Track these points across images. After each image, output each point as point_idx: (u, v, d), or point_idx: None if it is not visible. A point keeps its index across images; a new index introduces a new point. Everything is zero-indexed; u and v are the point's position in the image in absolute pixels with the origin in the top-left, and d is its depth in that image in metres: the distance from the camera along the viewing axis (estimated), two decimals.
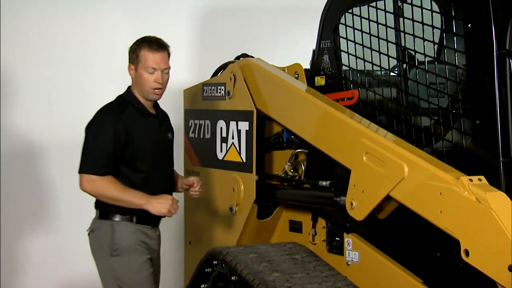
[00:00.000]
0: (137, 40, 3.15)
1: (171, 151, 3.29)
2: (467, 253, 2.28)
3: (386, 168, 2.61)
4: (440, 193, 2.39)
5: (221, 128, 3.64)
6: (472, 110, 2.54)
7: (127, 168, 3.07)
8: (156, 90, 3.09)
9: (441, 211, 2.39)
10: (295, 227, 3.42)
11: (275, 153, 3.54)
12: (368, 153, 2.70)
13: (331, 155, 2.96)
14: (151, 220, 3.12)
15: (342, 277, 2.99)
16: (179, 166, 3.98)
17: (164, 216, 3.12)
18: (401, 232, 2.80)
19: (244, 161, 3.46)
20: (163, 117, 3.26)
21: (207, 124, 3.75)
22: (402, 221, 2.75)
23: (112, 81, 4.84)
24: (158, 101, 3.22)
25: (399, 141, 2.71)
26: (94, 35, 4.77)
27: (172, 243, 4.65)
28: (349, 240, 3.03)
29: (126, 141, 3.04)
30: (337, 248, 3.12)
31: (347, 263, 3.02)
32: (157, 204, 3.02)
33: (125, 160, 3.05)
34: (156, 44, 3.08)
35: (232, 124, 3.55)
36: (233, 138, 3.54)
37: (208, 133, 3.75)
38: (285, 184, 3.42)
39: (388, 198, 2.64)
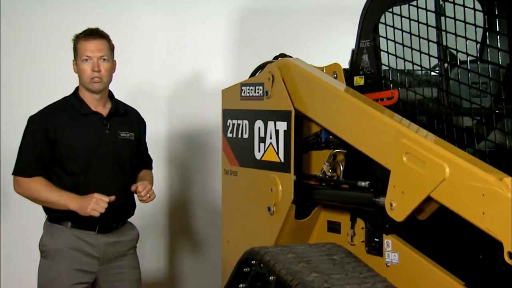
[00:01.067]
0: (75, 34, 3.14)
1: (123, 151, 3.16)
2: (510, 255, 2.24)
3: (427, 168, 2.58)
4: (483, 194, 2.35)
5: (259, 128, 3.65)
6: None
7: (59, 169, 3.04)
8: (95, 79, 3.04)
9: (483, 213, 2.35)
10: (334, 227, 3.41)
11: (313, 153, 3.52)
12: (408, 154, 2.67)
13: (370, 155, 2.94)
14: (93, 225, 3.04)
15: (382, 279, 2.96)
16: (217, 165, 4.01)
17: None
18: (442, 233, 2.76)
19: (282, 161, 3.46)
20: (118, 115, 3.17)
21: (245, 124, 3.76)
22: (443, 222, 2.72)
23: (149, 82, 4.91)
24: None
25: (440, 142, 2.67)
26: (131, 36, 4.82)
27: (211, 242, 4.68)
28: (388, 241, 3.00)
29: (54, 141, 3.01)
30: (376, 249, 3.09)
31: (386, 264, 3.00)
32: (82, 204, 2.93)
33: (56, 161, 3.02)
34: (91, 33, 3.07)
35: (270, 124, 3.55)
36: (271, 138, 3.54)
37: (246, 133, 3.75)
38: (324, 184, 3.41)
39: (428, 199, 2.61)
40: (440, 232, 2.77)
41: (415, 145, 2.65)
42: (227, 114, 3.95)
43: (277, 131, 3.50)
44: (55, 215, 3.05)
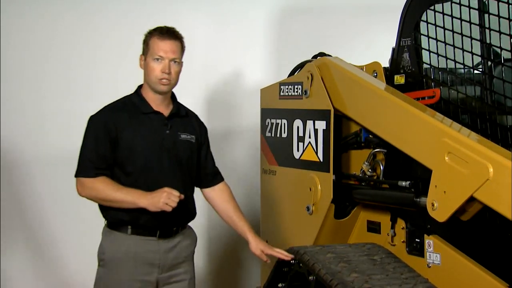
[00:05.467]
0: (149, 30, 3.03)
1: (183, 152, 3.03)
2: None
3: (470, 168, 2.53)
4: None
5: (298, 127, 3.64)
6: None
7: (118, 169, 2.91)
8: (163, 81, 2.92)
9: None
10: (373, 227, 3.38)
11: (352, 153, 3.50)
12: (451, 153, 2.63)
13: (411, 154, 2.90)
14: (154, 230, 2.91)
15: (423, 279, 2.92)
16: (256, 165, 4.01)
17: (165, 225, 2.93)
18: (486, 234, 2.72)
19: (321, 160, 3.44)
20: (179, 116, 3.06)
21: (284, 123, 3.75)
22: (486, 223, 2.67)
23: (190, 81, 4.94)
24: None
25: (484, 141, 2.63)
26: None
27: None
28: (430, 241, 2.97)
29: (116, 141, 2.89)
30: (417, 249, 3.06)
31: (428, 265, 2.96)
32: (151, 199, 2.79)
33: (116, 161, 2.90)
34: (167, 33, 2.94)
35: (309, 123, 3.54)
36: (310, 137, 3.53)
37: (285, 132, 3.75)
38: (363, 184, 3.38)
39: (471, 200, 2.57)
40: (483, 233, 2.73)
41: (458, 145, 2.61)
42: (266, 113, 3.95)
43: (316, 130, 3.48)
44: (114, 221, 2.92)
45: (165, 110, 3.03)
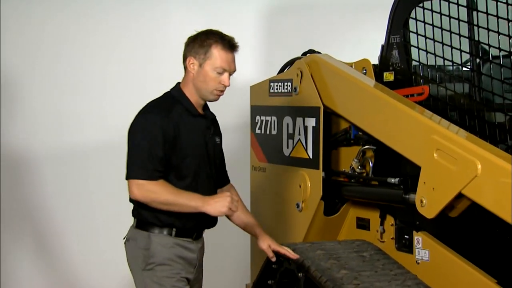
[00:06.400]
0: (205, 33, 2.83)
1: (218, 157, 3.01)
2: None
3: (458, 165, 2.55)
4: None
5: (287, 124, 3.64)
6: None
7: (172, 173, 2.79)
8: (220, 92, 2.84)
9: None
10: (363, 224, 3.39)
11: (342, 150, 3.51)
12: (439, 150, 2.64)
13: (400, 151, 2.91)
14: (192, 232, 2.88)
15: (412, 276, 2.94)
16: (246, 162, 4.02)
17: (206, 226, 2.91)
18: (474, 230, 2.73)
19: (311, 157, 3.45)
20: (212, 119, 2.99)
21: (274, 120, 3.75)
22: (475, 219, 2.68)
23: (180, 78, 4.94)
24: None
25: (472, 138, 2.64)
26: (162, 32, 4.84)
27: (239, 238, 4.68)
28: (419, 238, 2.98)
29: (173, 143, 2.77)
30: (406, 246, 3.07)
31: (416, 261, 2.97)
32: (214, 204, 2.73)
33: (171, 164, 2.78)
34: (230, 43, 2.81)
35: (299, 120, 3.54)
36: (299, 134, 3.54)
37: (274, 129, 3.75)
38: (353, 181, 3.39)
39: (460, 196, 2.58)
40: (471, 229, 2.74)
41: (446, 142, 2.62)
42: (256, 110, 3.95)
43: (305, 127, 3.49)
44: (162, 224, 2.80)
45: (203, 113, 2.95)
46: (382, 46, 3.29)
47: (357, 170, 3.35)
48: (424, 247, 2.95)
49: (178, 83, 2.92)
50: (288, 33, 5.08)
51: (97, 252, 4.75)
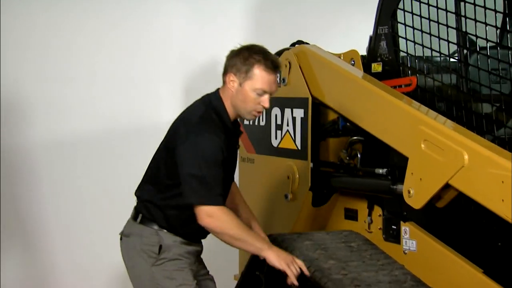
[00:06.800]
0: (249, 49, 2.72)
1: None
2: None
3: (445, 156, 2.56)
4: (502, 182, 2.33)
5: (276, 115, 3.64)
6: None
7: None
8: (258, 113, 2.73)
9: (502, 200, 2.33)
10: (351, 215, 3.40)
11: (330, 141, 3.51)
12: (427, 141, 2.65)
13: (388, 142, 2.92)
14: (197, 238, 2.88)
15: (399, 266, 2.96)
16: None
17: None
18: (461, 221, 2.75)
19: (299, 148, 3.45)
20: (238, 131, 2.90)
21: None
22: (461, 209, 2.70)
23: (168, 70, 4.92)
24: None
25: (459, 129, 2.65)
26: (150, 25, 4.82)
27: None
28: (406, 228, 2.99)
29: (223, 164, 2.69)
30: (393, 236, 3.08)
31: (404, 251, 2.99)
32: (278, 253, 2.70)
33: None
34: (273, 64, 2.69)
35: (287, 111, 3.54)
36: (288, 125, 3.54)
37: (262, 120, 3.75)
38: (341, 171, 3.40)
39: (447, 187, 2.60)
40: (458, 219, 2.76)
41: (434, 132, 2.63)
42: None
43: (294, 118, 3.49)
44: (165, 226, 2.77)
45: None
46: (370, 37, 3.30)
47: (345, 161, 3.36)
48: (411, 237, 2.97)
49: (218, 91, 2.78)
50: (276, 24, 5.07)
51: (84, 243, 4.74)
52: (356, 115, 3.16)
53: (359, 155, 3.29)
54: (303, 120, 3.42)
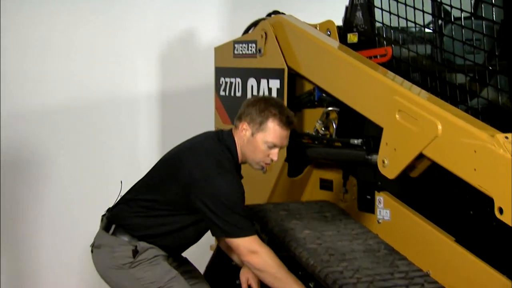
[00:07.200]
0: (266, 101, 2.74)
1: None
2: (501, 211, 2.26)
3: (419, 126, 2.58)
4: (475, 151, 2.35)
5: (252, 86, 3.63)
6: (509, 66, 2.49)
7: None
8: (265, 165, 2.76)
9: (475, 169, 2.36)
10: (326, 185, 3.42)
11: (306, 111, 3.52)
12: (401, 111, 2.66)
13: (363, 113, 2.93)
14: (172, 253, 2.85)
15: (373, 235, 2.99)
16: (211, 124, 4.01)
17: None
18: (434, 190, 2.78)
19: None
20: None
21: (238, 82, 3.74)
22: (435, 179, 2.73)
23: (144, 40, 4.88)
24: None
25: (433, 99, 2.67)
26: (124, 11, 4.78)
27: None
28: (380, 198, 3.02)
29: None
30: (368, 206, 3.11)
31: (378, 221, 3.02)
32: None
33: None
34: (288, 120, 2.71)
35: (263, 82, 3.53)
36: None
37: (239, 91, 3.74)
38: (316, 142, 3.41)
39: (420, 156, 2.62)
40: (431, 189, 2.79)
41: (408, 103, 2.64)
42: (220, 72, 3.92)
43: (270, 89, 3.48)
44: (149, 240, 2.75)
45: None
46: (346, 8, 3.29)
47: (321, 131, 3.37)
48: (385, 206, 3.00)
49: (231, 131, 2.79)
50: None
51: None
52: (331, 85, 3.16)
53: (334, 126, 3.30)
54: (279, 91, 3.41)
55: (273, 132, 2.69)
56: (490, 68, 2.56)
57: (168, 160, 2.83)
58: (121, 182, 2.90)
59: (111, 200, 2.91)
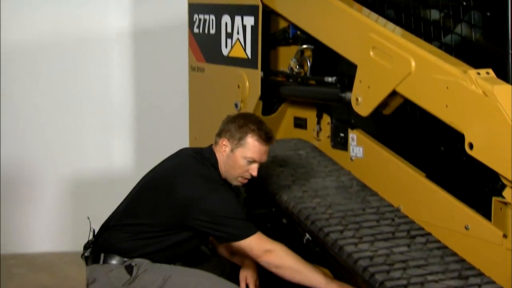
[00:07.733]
0: (244, 117, 2.77)
1: None
2: (471, 146, 2.29)
3: (393, 63, 2.58)
4: (447, 87, 2.37)
5: (226, 23, 3.57)
6: (483, 1, 2.48)
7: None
8: (244, 180, 2.73)
9: (447, 105, 2.38)
10: (300, 123, 3.43)
11: (280, 49, 3.49)
12: (376, 48, 2.66)
13: (338, 50, 2.92)
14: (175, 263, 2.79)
15: (346, 172, 3.02)
16: (184, 62, 3.97)
17: None
18: (406, 127, 2.80)
19: (249, 57, 3.41)
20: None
21: (212, 19, 3.68)
22: (407, 116, 2.75)
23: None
24: None
25: (407, 35, 2.66)
26: None
27: (180, 141, 4.71)
28: (353, 135, 3.04)
29: None
30: (341, 143, 3.13)
31: (351, 158, 3.05)
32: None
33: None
34: (267, 136, 2.70)
35: (237, 19, 3.48)
36: (238, 33, 3.48)
37: (212, 29, 3.68)
38: (291, 80, 3.40)
39: (394, 94, 2.63)
40: (403, 126, 2.81)
41: (382, 39, 2.63)
42: (194, 8, 3.85)
43: (244, 27, 3.43)
44: (147, 257, 2.69)
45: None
46: None
47: (295, 69, 3.35)
48: (358, 144, 3.02)
49: (212, 150, 2.77)
50: None
51: None
52: (306, 22, 3.13)
53: (309, 64, 3.29)
54: (254, 29, 3.36)
55: (252, 147, 2.69)
56: (464, 3, 2.55)
57: (153, 183, 2.77)
58: (88, 218, 2.80)
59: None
